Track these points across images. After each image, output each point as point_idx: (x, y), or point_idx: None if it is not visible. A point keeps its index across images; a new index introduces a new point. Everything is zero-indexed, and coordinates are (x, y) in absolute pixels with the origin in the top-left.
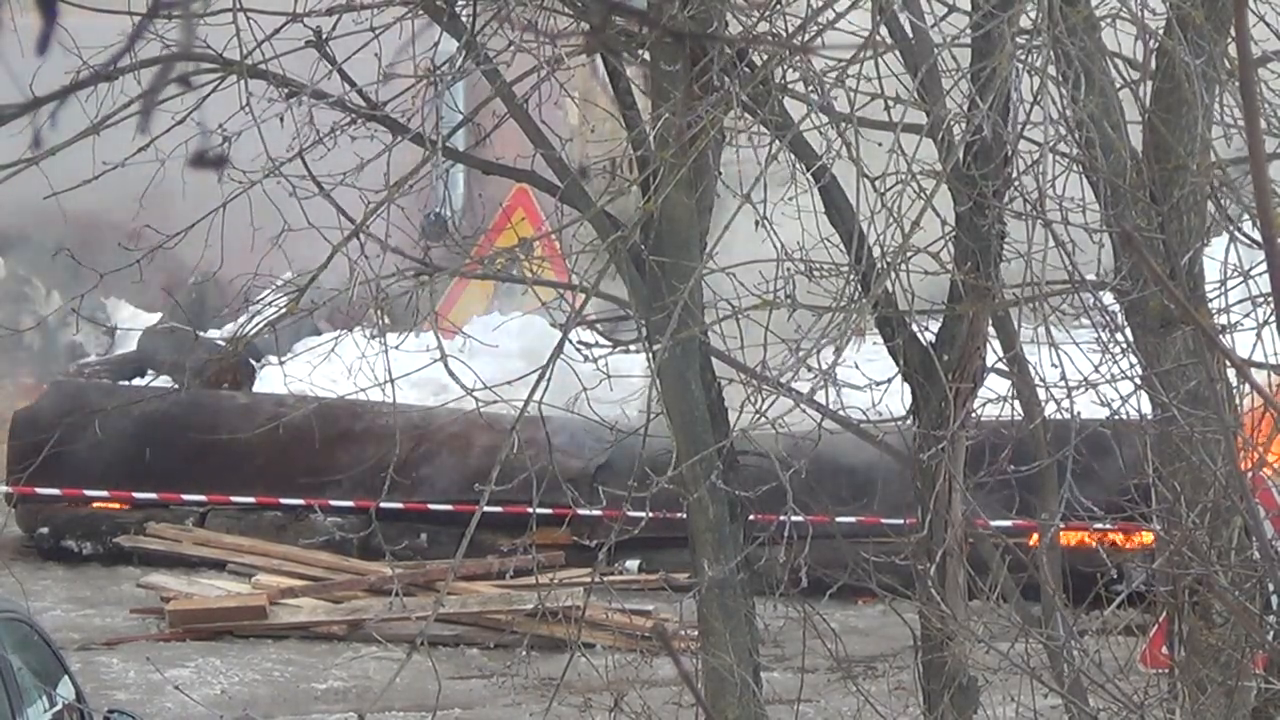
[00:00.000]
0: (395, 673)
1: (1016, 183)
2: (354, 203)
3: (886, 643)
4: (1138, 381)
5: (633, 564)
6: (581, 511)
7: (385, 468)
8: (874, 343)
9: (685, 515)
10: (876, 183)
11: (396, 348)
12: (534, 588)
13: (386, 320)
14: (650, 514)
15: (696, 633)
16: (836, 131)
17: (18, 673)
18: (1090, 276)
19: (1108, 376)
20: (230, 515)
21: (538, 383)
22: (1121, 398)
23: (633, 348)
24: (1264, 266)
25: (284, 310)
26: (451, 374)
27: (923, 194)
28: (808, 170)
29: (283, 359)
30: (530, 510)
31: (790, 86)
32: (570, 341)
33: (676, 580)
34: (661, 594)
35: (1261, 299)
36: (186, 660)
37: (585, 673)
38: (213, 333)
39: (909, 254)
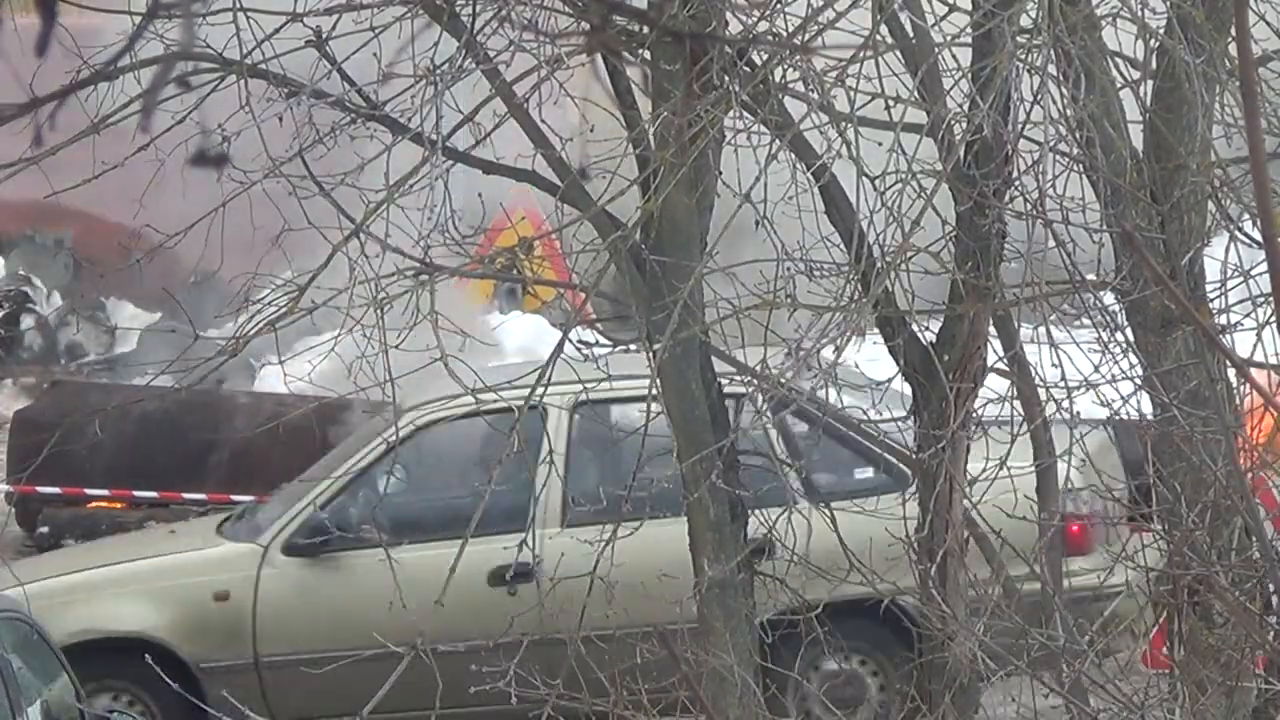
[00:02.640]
0: (395, 673)
1: (1017, 182)
2: (354, 203)
3: None
4: (1138, 381)
5: None
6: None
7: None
8: (874, 342)
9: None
10: (876, 182)
11: (396, 347)
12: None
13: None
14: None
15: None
16: (837, 131)
17: (18, 673)
18: (1090, 276)
19: (1108, 376)
20: None
21: (537, 382)
22: (1122, 398)
23: (633, 347)
24: (1264, 266)
25: (284, 310)
26: (451, 374)
27: (923, 194)
28: (808, 170)
29: (282, 358)
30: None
31: (790, 86)
32: (570, 341)
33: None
34: None
35: (1262, 299)
36: None
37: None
38: (212, 332)
39: (909, 253)
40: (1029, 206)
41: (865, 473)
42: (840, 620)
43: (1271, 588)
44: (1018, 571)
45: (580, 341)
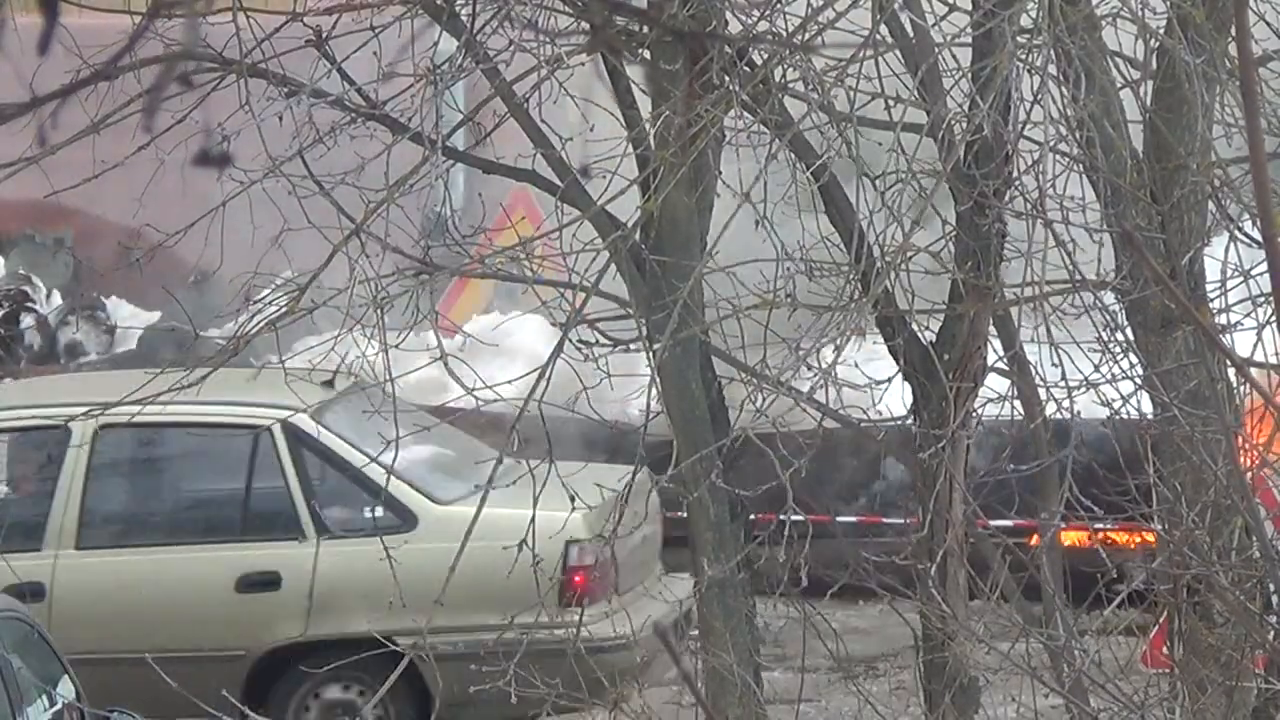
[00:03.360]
0: (395, 672)
1: (1017, 182)
2: (354, 202)
3: (887, 643)
4: (1138, 381)
5: None
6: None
7: None
8: (874, 342)
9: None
10: (877, 182)
11: (396, 347)
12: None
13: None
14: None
15: (697, 632)
16: (836, 131)
17: (18, 672)
18: (1090, 276)
19: (1108, 376)
20: None
21: (537, 382)
22: (1122, 397)
23: (633, 347)
24: (1264, 266)
25: (284, 310)
26: (451, 373)
27: (923, 193)
28: (808, 170)
29: (283, 358)
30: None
31: (790, 86)
32: (570, 341)
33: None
34: None
35: (1262, 299)
36: None
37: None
38: (213, 332)
39: (909, 253)
40: (1029, 206)
41: (376, 512)
42: (344, 652)
43: (1271, 587)
44: (527, 619)
45: (580, 341)
